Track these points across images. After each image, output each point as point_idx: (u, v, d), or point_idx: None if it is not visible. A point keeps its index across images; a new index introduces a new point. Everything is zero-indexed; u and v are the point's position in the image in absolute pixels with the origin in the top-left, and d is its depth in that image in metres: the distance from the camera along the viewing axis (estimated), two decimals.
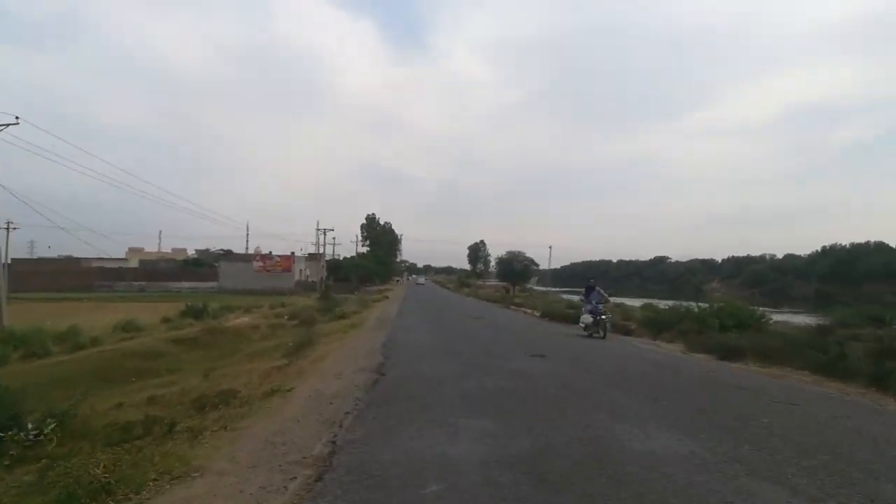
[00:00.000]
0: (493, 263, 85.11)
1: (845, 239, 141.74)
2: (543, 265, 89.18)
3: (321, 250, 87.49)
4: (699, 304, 23.44)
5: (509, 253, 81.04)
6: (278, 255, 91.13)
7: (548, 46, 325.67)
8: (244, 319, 34.00)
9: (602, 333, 18.42)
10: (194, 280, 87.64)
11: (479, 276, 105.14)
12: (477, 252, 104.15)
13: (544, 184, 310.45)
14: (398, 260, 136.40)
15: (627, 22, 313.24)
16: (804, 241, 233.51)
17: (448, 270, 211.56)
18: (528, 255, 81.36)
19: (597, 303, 19.47)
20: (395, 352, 13.11)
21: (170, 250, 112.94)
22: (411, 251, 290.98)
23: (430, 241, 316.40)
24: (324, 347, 14.88)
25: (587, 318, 19.29)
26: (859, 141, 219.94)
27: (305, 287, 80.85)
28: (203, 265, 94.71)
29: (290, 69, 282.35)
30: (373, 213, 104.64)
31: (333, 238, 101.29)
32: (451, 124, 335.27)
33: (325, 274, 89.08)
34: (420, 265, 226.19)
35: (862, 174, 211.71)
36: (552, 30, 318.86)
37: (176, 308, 38.49)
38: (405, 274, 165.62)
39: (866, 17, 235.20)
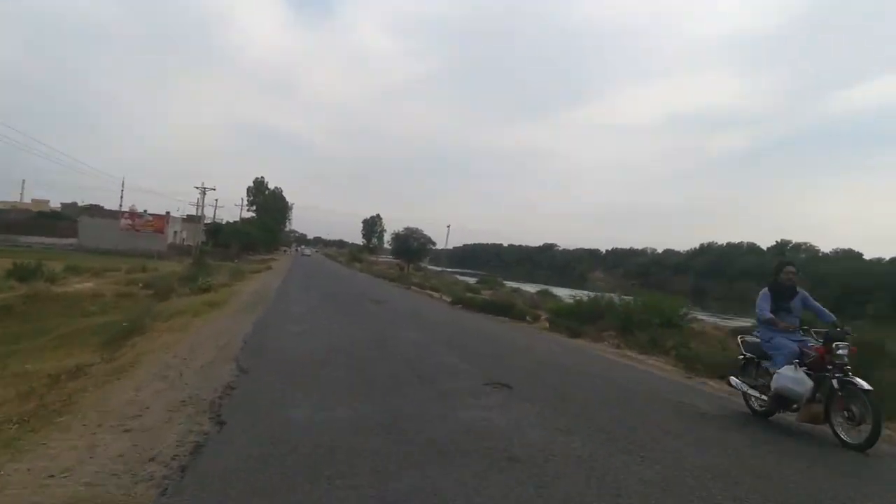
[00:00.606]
0: (388, 239, 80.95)
1: (721, 238, 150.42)
2: (440, 244, 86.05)
3: (200, 212, 79.56)
4: (621, 296, 20.96)
5: (406, 229, 77.23)
6: (151, 214, 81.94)
7: (454, 27, 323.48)
8: (88, 285, 28.06)
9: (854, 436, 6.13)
10: (52, 236, 76.91)
11: (373, 251, 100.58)
12: (372, 226, 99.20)
13: (442, 163, 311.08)
14: (287, 229, 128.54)
15: (535, 12, 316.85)
16: (683, 238, 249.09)
17: (340, 244, 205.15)
18: (424, 232, 77.95)
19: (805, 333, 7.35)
20: (261, 363, 7.99)
21: (29, 201, 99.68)
22: (303, 221, 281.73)
23: (323, 212, 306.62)
24: (151, 340, 10.07)
25: (796, 380, 6.62)
26: (734, 150, 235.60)
27: (180, 251, 73.00)
28: (63, 219, 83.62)
29: (184, 21, 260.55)
30: (261, 177, 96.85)
31: (216, 200, 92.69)
32: (354, 94, 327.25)
33: (203, 238, 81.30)
34: (311, 237, 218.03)
35: (736, 180, 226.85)
36: (460, 9, 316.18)
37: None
38: (294, 244, 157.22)
39: (745, 37, 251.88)
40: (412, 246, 76.32)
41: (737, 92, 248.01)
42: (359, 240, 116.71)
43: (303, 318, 13.57)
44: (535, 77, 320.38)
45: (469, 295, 24.96)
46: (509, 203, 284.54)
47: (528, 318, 18.34)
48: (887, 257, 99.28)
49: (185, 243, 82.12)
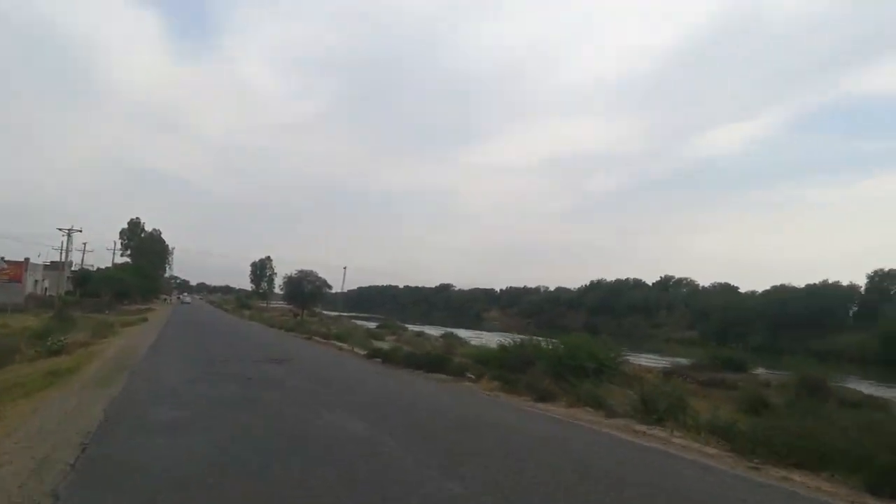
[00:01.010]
0: (279, 283, 76.29)
1: (609, 275, 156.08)
2: (336, 287, 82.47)
3: (65, 257, 71.70)
4: (549, 339, 19.31)
5: (300, 272, 73.07)
6: (7, 261, 72.65)
7: (342, 64, 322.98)
8: None
9: None
10: None
11: (263, 296, 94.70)
12: (261, 269, 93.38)
13: (334, 204, 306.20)
14: (167, 275, 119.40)
15: (421, 55, 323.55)
16: (573, 276, 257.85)
17: (225, 289, 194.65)
18: (319, 274, 74.14)
19: None
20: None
21: None
22: (187, 267, 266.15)
23: (209, 256, 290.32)
24: None
25: None
26: (612, 189, 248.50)
27: (41, 303, 64.78)
28: None
29: (50, 50, 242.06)
30: (137, 218, 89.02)
31: (84, 244, 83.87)
32: (241, 132, 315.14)
33: (68, 287, 73.11)
34: (194, 283, 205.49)
35: (616, 219, 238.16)
36: (347, 46, 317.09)
37: None
38: (175, 292, 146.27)
39: (618, 81, 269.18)
40: (306, 290, 72.28)
41: (611, 134, 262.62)
42: (247, 285, 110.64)
43: (179, 396, 9.59)
44: (425, 117, 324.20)
45: (384, 346, 22.28)
46: (403, 244, 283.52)
47: (468, 374, 15.84)
48: (759, 290, 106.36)
49: (47, 293, 73.47)
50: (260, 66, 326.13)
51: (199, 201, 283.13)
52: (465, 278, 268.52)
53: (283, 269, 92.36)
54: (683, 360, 40.74)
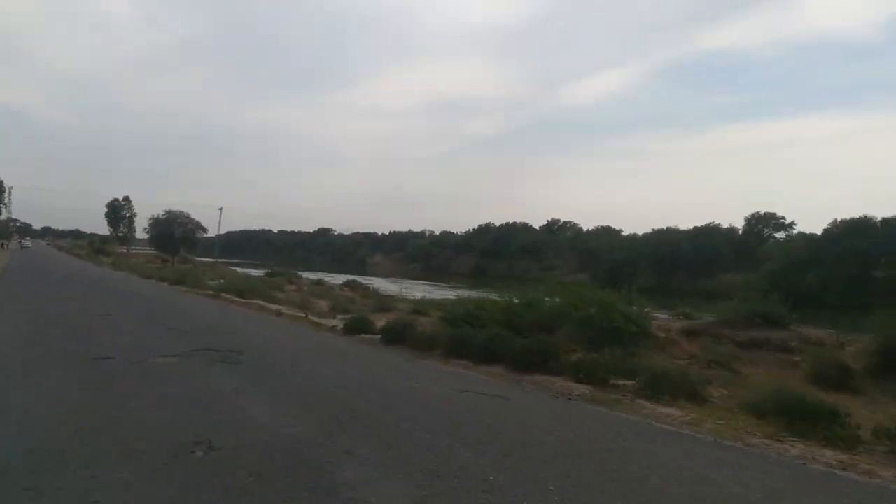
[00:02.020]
0: (145, 226, 65.80)
1: (489, 219, 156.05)
2: (212, 230, 73.36)
3: None
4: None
5: (168, 213, 63.48)
6: None
7: None
8: None
9: None
10: None
11: (123, 240, 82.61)
12: (117, 211, 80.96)
13: (199, 145, 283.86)
14: (3, 217, 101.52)
15: None
16: (456, 220, 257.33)
17: (76, 234, 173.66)
18: (192, 216, 64.78)
19: None
20: None
21: None
22: (30, 209, 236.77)
23: (55, 197, 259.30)
24: None
25: None
26: (489, 134, 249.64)
27: None
28: None
29: None
30: None
31: None
32: (94, 65, 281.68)
33: None
34: (38, 227, 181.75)
35: (496, 162, 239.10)
36: None
37: None
38: (15, 237, 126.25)
39: (499, 28, 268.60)
40: (175, 233, 62.95)
41: (487, 80, 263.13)
42: (101, 229, 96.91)
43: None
44: (299, 55, 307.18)
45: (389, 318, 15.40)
46: (277, 187, 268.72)
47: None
48: (639, 233, 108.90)
49: None
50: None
51: (40, 137, 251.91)
52: (345, 222, 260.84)
53: (146, 211, 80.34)
54: None
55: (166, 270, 36.44)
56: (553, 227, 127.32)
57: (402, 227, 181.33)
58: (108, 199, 79.00)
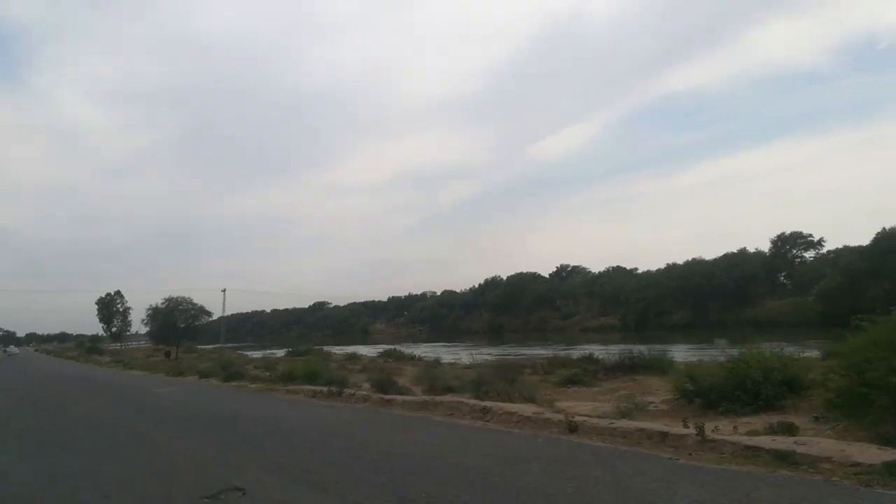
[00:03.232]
0: (143, 318, 59.30)
1: (485, 274, 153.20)
2: (216, 314, 67.29)
3: None
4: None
5: (169, 301, 57.41)
6: None
7: (175, 96, 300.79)
8: None
9: None
10: None
11: (117, 337, 75.82)
12: (109, 306, 74.44)
13: (182, 239, 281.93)
14: None
15: (253, 83, 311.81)
16: (451, 280, 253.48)
17: (61, 337, 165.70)
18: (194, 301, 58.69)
19: None
20: None
21: None
22: (10, 318, 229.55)
23: (40, 307, 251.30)
24: None
25: None
26: (464, 198, 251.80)
27: None
28: None
29: None
30: None
31: None
32: (62, 173, 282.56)
33: None
34: (21, 334, 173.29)
35: (477, 222, 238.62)
36: (177, 80, 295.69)
37: None
38: None
39: (464, 99, 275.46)
40: (178, 322, 56.77)
41: (457, 147, 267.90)
42: (87, 329, 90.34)
43: None
44: (271, 143, 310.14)
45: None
46: (266, 270, 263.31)
47: None
48: (653, 269, 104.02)
49: None
50: (82, 105, 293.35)
51: (20, 249, 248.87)
52: (339, 295, 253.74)
53: (138, 305, 73.94)
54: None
55: (202, 362, 30.15)
56: (563, 273, 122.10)
57: (399, 293, 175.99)
58: (92, 299, 73.24)
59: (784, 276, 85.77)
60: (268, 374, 19.38)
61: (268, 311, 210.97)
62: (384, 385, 14.00)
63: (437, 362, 27.14)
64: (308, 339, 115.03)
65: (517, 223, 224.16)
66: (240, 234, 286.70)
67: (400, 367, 26.84)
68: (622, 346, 49.49)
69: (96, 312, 72.86)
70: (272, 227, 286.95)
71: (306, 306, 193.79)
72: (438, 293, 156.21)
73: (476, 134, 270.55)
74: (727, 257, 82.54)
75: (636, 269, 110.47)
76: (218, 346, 68.47)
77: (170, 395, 13.71)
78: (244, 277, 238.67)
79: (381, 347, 54.00)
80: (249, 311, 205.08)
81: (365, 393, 12.10)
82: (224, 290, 69.44)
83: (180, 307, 56.83)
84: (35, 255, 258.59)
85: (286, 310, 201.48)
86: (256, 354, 51.98)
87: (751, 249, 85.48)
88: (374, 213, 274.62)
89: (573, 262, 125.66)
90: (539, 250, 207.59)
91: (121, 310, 73.48)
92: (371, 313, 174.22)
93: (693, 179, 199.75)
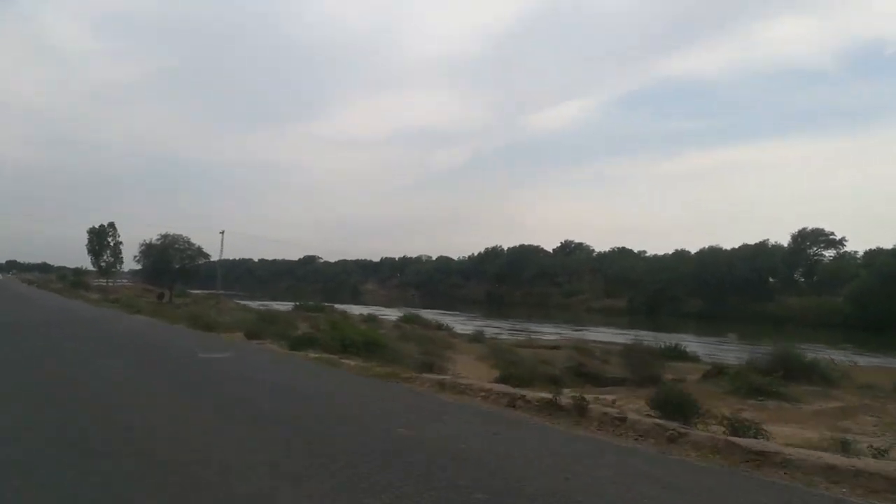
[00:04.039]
0: (136, 254, 54.74)
1: (480, 244, 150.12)
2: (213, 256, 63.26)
3: None
4: None
5: (164, 237, 53.16)
6: None
7: (170, 27, 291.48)
8: None
9: None
10: None
11: (106, 272, 71.32)
12: (101, 237, 69.77)
13: (173, 177, 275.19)
14: None
15: (256, 23, 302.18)
16: (446, 245, 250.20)
17: (42, 267, 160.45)
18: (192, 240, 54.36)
19: None
20: None
21: None
22: None
23: (20, 233, 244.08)
24: None
25: None
26: (457, 162, 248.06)
27: None
28: None
29: None
30: None
31: None
32: (54, 99, 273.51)
33: None
34: (1, 260, 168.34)
35: (468, 190, 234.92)
36: (174, 13, 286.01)
37: None
38: None
39: (462, 59, 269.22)
40: (172, 262, 52.62)
41: (454, 109, 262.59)
42: (70, 262, 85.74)
43: None
44: (265, 88, 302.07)
45: None
46: (255, 217, 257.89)
47: None
48: (659, 253, 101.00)
49: None
50: (71, 28, 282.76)
51: (2, 173, 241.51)
52: (330, 250, 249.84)
53: (126, 242, 68.80)
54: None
55: (190, 310, 25.75)
56: (566, 249, 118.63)
57: (391, 254, 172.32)
58: (77, 231, 68.75)
59: (801, 274, 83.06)
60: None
61: (255, 259, 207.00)
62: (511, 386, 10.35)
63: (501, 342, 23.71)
64: (299, 292, 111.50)
65: (513, 193, 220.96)
66: (230, 180, 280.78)
67: (450, 341, 23.27)
68: (647, 333, 46.44)
69: (86, 243, 68.08)
70: (262, 174, 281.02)
71: (296, 259, 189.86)
72: (434, 258, 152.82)
73: (473, 98, 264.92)
74: (747, 248, 79.30)
75: (644, 251, 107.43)
76: (212, 291, 64.45)
77: (247, 372, 9.60)
78: (233, 223, 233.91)
79: (391, 310, 50.68)
80: (237, 258, 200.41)
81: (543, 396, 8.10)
82: (223, 233, 65.27)
83: (176, 245, 52.70)
84: (19, 180, 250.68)
85: (275, 260, 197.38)
86: (253, 305, 48.34)
87: (750, 242, 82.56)
88: (368, 170, 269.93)
89: (571, 238, 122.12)
90: (533, 224, 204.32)
91: (112, 244, 68.85)
92: (362, 272, 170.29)
93: (691, 165, 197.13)
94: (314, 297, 72.91)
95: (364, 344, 14.02)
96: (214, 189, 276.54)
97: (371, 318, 34.53)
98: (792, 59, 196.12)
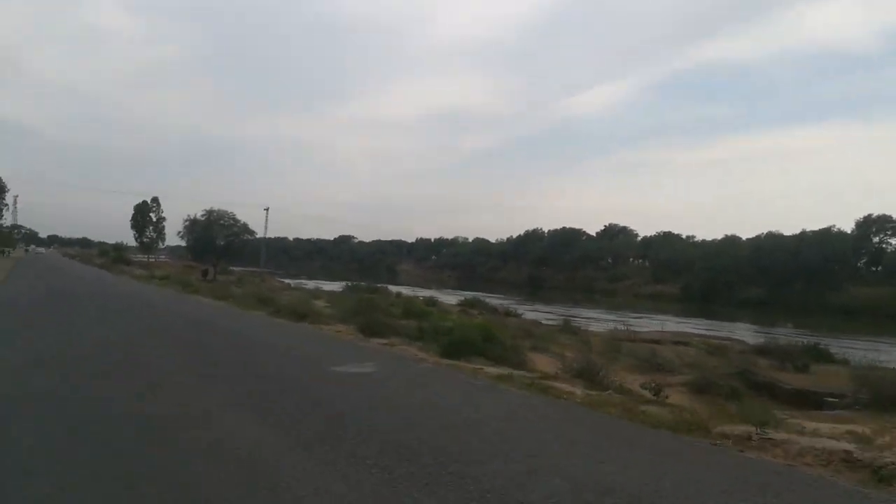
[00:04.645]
0: (180, 230, 53.08)
1: (512, 229, 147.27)
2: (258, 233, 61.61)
3: None
4: None
5: (209, 213, 51.42)
6: None
7: (203, 11, 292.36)
8: None
9: None
10: None
11: (149, 248, 70.24)
12: (144, 212, 68.52)
13: (204, 154, 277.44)
14: (9, 224, 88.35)
15: (293, 4, 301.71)
16: (479, 227, 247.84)
17: (83, 242, 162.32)
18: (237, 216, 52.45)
19: None
20: None
21: None
22: (34, 217, 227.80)
23: (62, 209, 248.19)
24: None
25: None
26: (490, 148, 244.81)
27: None
28: None
29: None
30: None
31: None
32: (84, 75, 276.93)
33: None
34: (44, 235, 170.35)
35: (500, 173, 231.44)
36: None
37: None
38: (20, 244, 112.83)
39: (493, 44, 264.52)
40: (216, 237, 50.93)
41: (487, 92, 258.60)
42: (110, 238, 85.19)
43: None
44: (295, 68, 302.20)
45: None
46: (288, 197, 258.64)
47: None
48: (707, 238, 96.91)
49: None
50: (109, 8, 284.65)
51: (45, 150, 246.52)
52: (361, 230, 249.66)
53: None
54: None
55: (257, 289, 23.72)
56: (611, 234, 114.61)
57: (426, 235, 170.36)
58: (115, 207, 67.67)
59: (865, 262, 78.69)
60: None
61: (290, 238, 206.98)
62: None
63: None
64: (333, 272, 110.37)
65: (545, 178, 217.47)
66: (264, 157, 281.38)
67: (543, 332, 20.82)
68: (717, 322, 43.26)
69: (130, 218, 66.94)
70: (296, 153, 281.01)
71: (331, 238, 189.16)
72: (470, 240, 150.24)
73: (508, 81, 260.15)
74: (810, 234, 75.11)
75: (693, 236, 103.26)
76: (254, 269, 62.96)
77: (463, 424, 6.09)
78: (270, 201, 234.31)
79: (433, 292, 48.53)
80: (272, 236, 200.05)
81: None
82: (267, 209, 63.57)
83: (221, 221, 50.94)
84: (61, 158, 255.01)
85: (309, 240, 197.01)
86: (297, 284, 46.55)
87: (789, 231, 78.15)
88: (401, 152, 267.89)
89: (613, 222, 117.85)
90: (569, 207, 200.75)
91: (154, 219, 67.59)
92: (397, 253, 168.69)
93: (727, 152, 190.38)
94: (349, 277, 71.31)
95: (473, 340, 11.34)
96: (248, 167, 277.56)
97: (432, 303, 32.17)
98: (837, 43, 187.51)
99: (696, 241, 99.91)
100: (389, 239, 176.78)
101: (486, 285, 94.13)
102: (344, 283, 42.84)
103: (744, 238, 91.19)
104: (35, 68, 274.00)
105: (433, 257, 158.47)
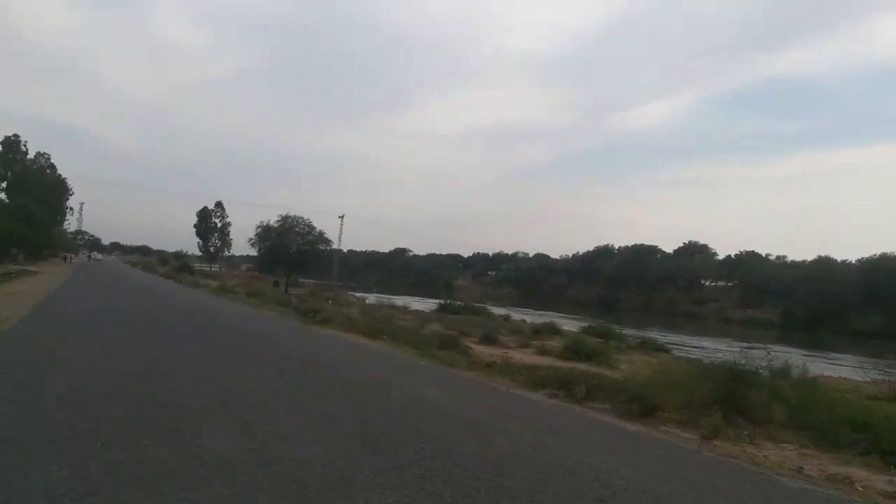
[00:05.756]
0: (251, 237, 48.86)
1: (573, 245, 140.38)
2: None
3: None
4: None
5: (283, 219, 47.32)
6: None
7: (261, 23, 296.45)
8: None
9: None
10: None
11: (213, 257, 66.87)
12: (207, 219, 65.10)
13: (262, 168, 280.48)
14: (74, 230, 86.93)
15: (348, 18, 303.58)
16: (526, 244, 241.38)
17: (143, 250, 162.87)
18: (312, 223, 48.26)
19: None
20: None
21: None
22: (98, 225, 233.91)
23: (125, 216, 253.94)
24: None
25: None
26: (543, 160, 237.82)
27: None
28: None
29: None
30: (15, 135, 59.24)
31: None
32: (151, 86, 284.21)
33: None
34: (106, 242, 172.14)
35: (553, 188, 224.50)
36: (267, 4, 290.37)
37: None
38: (83, 250, 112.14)
39: (550, 57, 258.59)
40: (290, 246, 46.84)
41: (543, 107, 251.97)
42: (169, 247, 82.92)
43: None
44: (349, 82, 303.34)
45: None
46: (343, 209, 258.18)
47: None
48: (795, 258, 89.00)
49: None
50: (177, 21, 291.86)
51: (109, 158, 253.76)
52: (415, 244, 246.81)
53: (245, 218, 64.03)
54: None
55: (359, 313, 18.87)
56: (690, 252, 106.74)
57: (480, 250, 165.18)
58: (177, 216, 64.70)
59: None
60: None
61: (344, 250, 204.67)
62: None
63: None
64: (386, 286, 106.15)
65: (604, 192, 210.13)
66: (319, 170, 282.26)
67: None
68: (859, 358, 36.25)
69: (194, 224, 63.72)
70: (349, 166, 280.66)
71: (386, 251, 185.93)
72: (530, 255, 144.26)
73: (560, 96, 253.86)
74: None
75: (784, 256, 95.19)
76: (325, 282, 58.88)
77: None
78: (323, 213, 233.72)
79: (506, 310, 43.27)
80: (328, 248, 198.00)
81: None
82: (342, 217, 59.51)
83: (296, 229, 46.84)
84: (125, 166, 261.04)
85: (364, 252, 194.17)
86: (376, 301, 41.85)
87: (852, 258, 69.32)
88: (453, 165, 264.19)
89: (691, 239, 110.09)
90: (632, 222, 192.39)
91: (219, 225, 64.21)
92: (455, 266, 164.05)
93: (792, 169, 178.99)
94: (405, 291, 66.87)
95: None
96: (301, 178, 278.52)
97: (550, 329, 26.52)
98: None
99: (789, 262, 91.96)
100: (445, 253, 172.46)
101: (549, 303, 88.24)
102: (435, 302, 37.93)
103: (838, 259, 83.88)
104: (104, 79, 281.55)
105: (490, 272, 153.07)
